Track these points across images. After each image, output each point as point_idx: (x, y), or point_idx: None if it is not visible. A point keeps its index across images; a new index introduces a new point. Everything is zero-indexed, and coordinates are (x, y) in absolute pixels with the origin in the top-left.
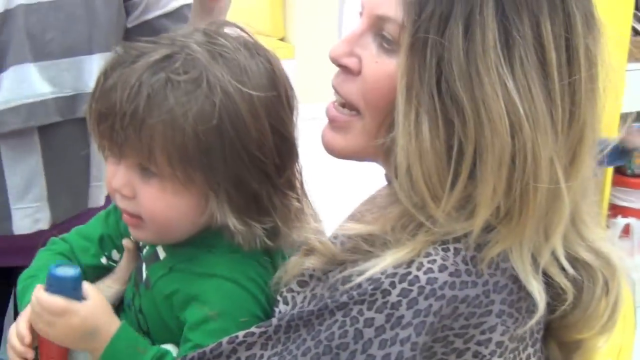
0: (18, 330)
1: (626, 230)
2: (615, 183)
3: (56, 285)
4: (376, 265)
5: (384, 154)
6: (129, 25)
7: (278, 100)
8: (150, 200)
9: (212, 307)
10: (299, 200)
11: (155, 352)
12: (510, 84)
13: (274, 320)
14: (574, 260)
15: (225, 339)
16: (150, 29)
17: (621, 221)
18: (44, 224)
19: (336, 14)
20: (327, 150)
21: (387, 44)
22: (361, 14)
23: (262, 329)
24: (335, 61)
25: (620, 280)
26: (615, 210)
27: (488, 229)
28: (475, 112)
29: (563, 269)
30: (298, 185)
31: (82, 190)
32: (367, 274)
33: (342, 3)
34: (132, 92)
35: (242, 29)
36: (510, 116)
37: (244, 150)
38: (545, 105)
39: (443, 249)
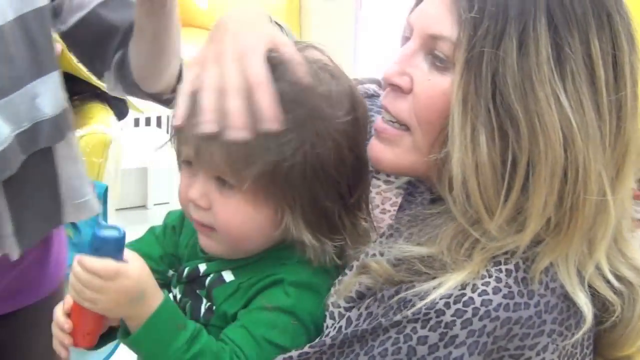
0: (65, 301)
1: None
2: (635, 197)
3: (103, 248)
4: (437, 289)
5: (436, 171)
6: (64, 29)
7: (356, 123)
8: (228, 213)
9: (272, 300)
10: (366, 220)
11: (192, 330)
12: (562, 98)
13: (328, 340)
14: (615, 277)
15: (279, 358)
16: (89, 24)
17: None
18: (13, 255)
19: (352, 25)
20: (376, 164)
21: (439, 62)
22: (406, 37)
23: (316, 349)
24: (388, 80)
25: None
26: (635, 223)
27: (536, 241)
28: (530, 125)
29: (608, 282)
30: (364, 206)
31: (54, 213)
32: (429, 299)
33: (358, 14)
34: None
35: (322, 52)
36: (564, 129)
37: (322, 169)
38: (594, 118)
39: (496, 270)
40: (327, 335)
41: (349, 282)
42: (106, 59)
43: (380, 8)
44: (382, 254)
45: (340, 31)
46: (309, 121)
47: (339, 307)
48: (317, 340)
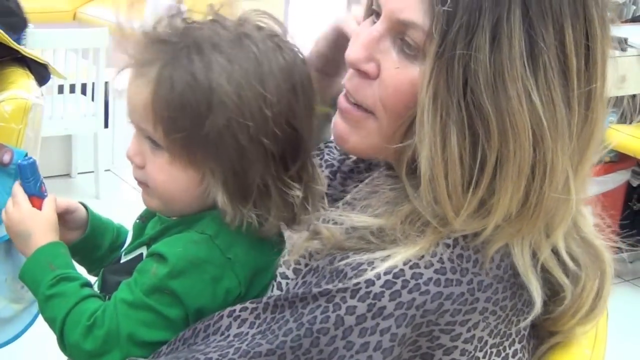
0: None
1: None
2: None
3: (20, 175)
4: (384, 262)
5: (396, 155)
6: None
7: (295, 96)
8: (155, 171)
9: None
10: (304, 191)
11: (61, 273)
12: (534, 95)
13: (264, 298)
14: (569, 256)
15: (226, 312)
16: None
17: None
18: None
19: (283, 4)
20: (340, 144)
21: (408, 50)
22: (376, 13)
23: (254, 305)
24: (354, 66)
25: (608, 275)
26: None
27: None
28: (501, 124)
29: (562, 262)
30: (307, 177)
31: None
32: (380, 269)
33: None
34: None
35: (274, 20)
36: (534, 127)
37: (249, 140)
38: (564, 112)
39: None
40: (268, 296)
41: (300, 246)
42: None
43: None
44: (335, 222)
45: (269, 9)
46: (234, 94)
47: (287, 271)
48: (258, 299)
